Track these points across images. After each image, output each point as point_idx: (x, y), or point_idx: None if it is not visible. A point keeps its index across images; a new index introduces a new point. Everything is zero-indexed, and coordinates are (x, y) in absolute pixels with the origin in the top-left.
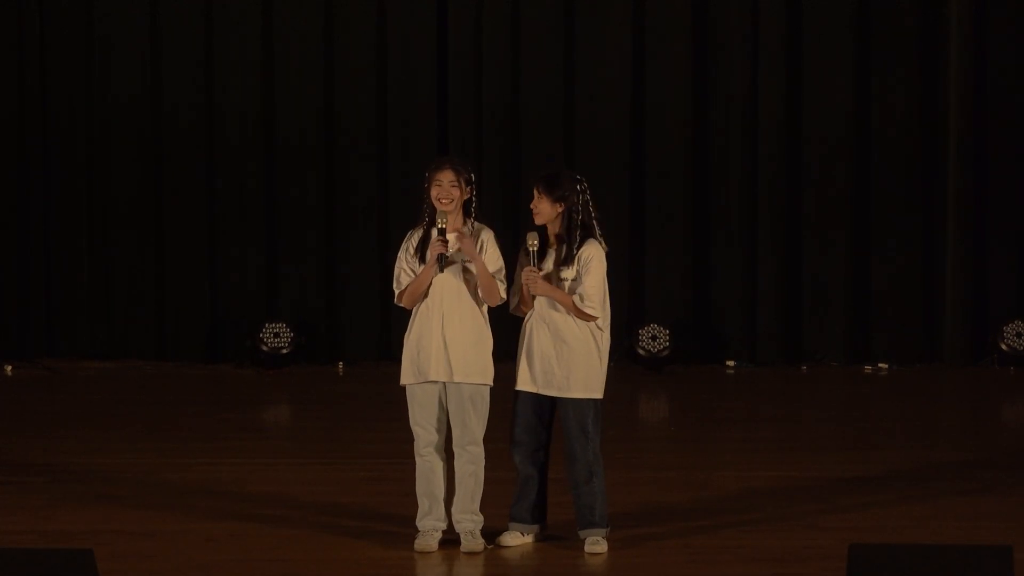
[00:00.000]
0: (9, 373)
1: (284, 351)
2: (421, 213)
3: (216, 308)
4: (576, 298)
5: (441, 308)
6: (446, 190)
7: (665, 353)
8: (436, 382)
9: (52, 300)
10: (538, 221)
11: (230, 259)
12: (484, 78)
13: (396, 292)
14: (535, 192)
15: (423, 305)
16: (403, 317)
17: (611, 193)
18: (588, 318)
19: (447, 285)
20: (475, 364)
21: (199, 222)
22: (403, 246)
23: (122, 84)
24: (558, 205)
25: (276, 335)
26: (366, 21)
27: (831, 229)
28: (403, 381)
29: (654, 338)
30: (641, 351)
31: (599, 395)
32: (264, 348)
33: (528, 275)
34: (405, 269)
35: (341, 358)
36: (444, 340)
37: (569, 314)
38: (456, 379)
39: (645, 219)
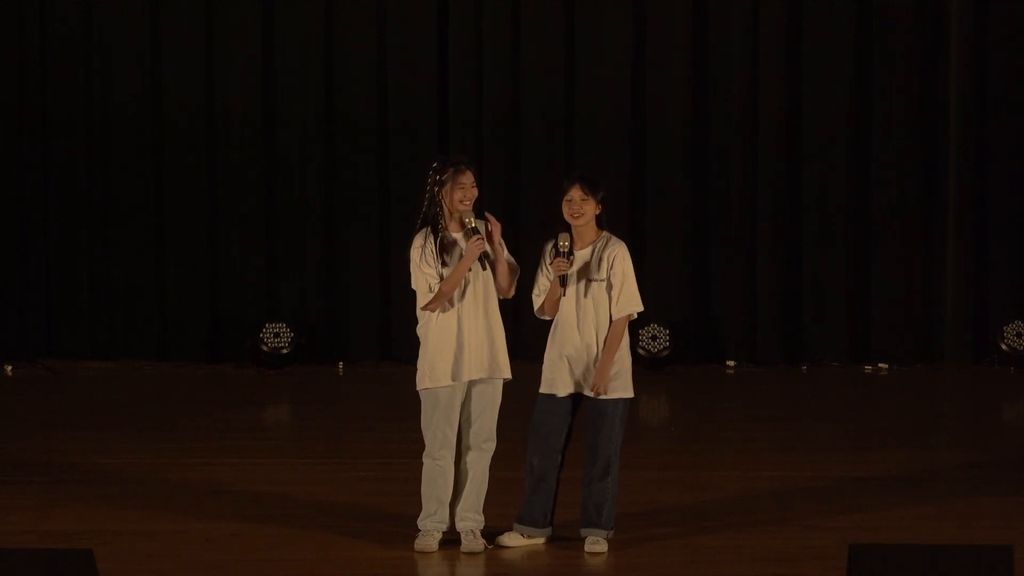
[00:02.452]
0: (9, 373)
1: (284, 351)
2: (424, 213)
3: (216, 308)
4: (616, 312)
5: (479, 306)
6: (469, 192)
7: (665, 353)
8: (462, 382)
9: (52, 300)
10: (581, 223)
11: (230, 259)
12: (484, 78)
13: (425, 298)
14: (578, 193)
15: (458, 305)
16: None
17: (611, 193)
18: (631, 315)
19: (479, 283)
20: (506, 359)
21: (199, 222)
22: (419, 253)
23: (122, 84)
24: (598, 206)
25: (276, 335)
26: (366, 21)
27: (831, 229)
28: (433, 384)
29: (654, 338)
30: (641, 351)
31: (632, 391)
32: (264, 348)
33: (557, 265)
34: (432, 275)
35: (341, 358)
36: (489, 337)
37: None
38: (496, 375)
39: (645, 219)
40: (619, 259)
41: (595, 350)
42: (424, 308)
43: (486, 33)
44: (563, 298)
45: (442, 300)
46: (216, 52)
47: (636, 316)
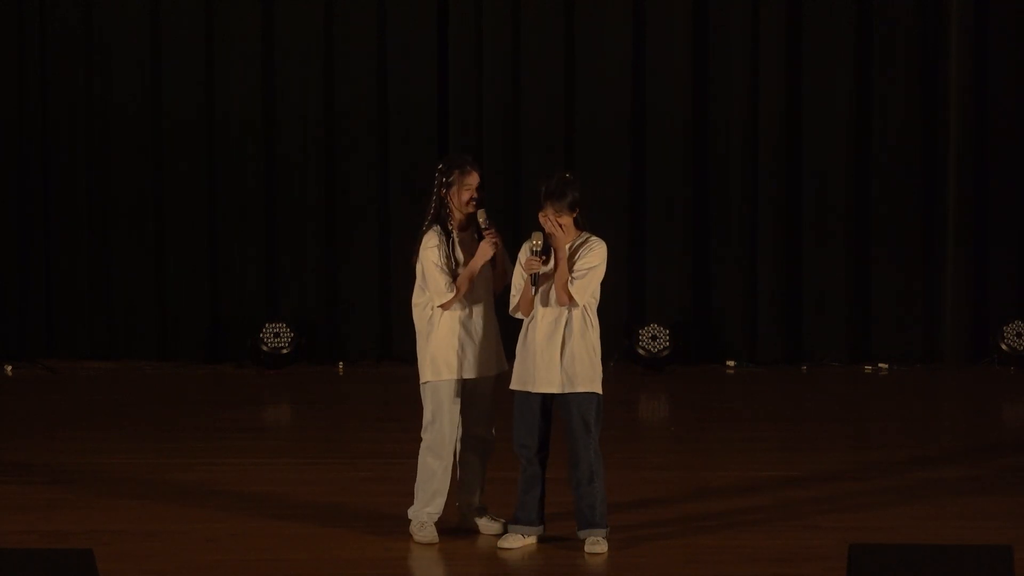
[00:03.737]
0: (9, 373)
1: (284, 351)
2: (432, 212)
3: (216, 308)
4: (570, 278)
5: (482, 303)
6: (476, 193)
7: (665, 353)
8: (463, 377)
9: (52, 300)
10: (559, 234)
11: (230, 259)
12: (484, 78)
13: (443, 297)
14: (551, 209)
15: (464, 302)
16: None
17: (611, 192)
18: (568, 299)
19: (482, 280)
20: (502, 351)
21: (199, 222)
22: (433, 250)
23: (123, 84)
24: (574, 212)
25: (276, 335)
26: (366, 21)
27: (831, 229)
28: (435, 377)
29: (654, 338)
30: (641, 351)
31: (600, 389)
32: (264, 348)
33: (529, 263)
34: (448, 276)
35: (341, 358)
36: (489, 334)
37: (560, 292)
38: (495, 371)
39: (645, 219)
40: (596, 249)
41: (568, 344)
42: (440, 307)
43: (486, 33)
44: (537, 296)
45: (458, 298)
46: (216, 52)
47: (588, 314)
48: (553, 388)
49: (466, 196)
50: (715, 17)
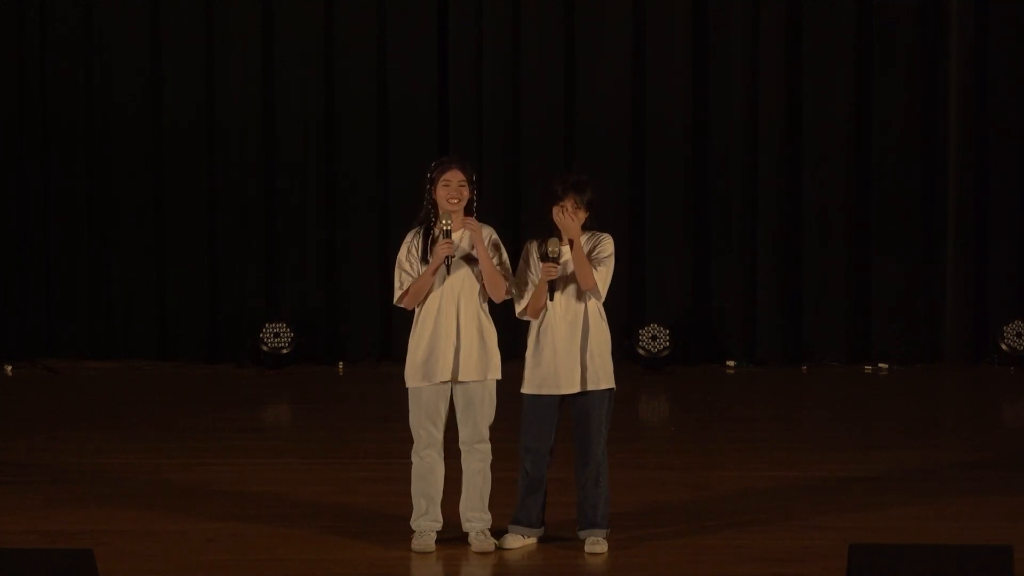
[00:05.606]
0: (9, 373)
1: (284, 351)
2: (421, 213)
3: (216, 308)
4: (593, 267)
5: (451, 307)
6: (455, 190)
7: (665, 353)
8: (446, 382)
9: (52, 300)
10: (575, 227)
11: (230, 259)
12: (484, 79)
13: (397, 293)
14: (571, 201)
15: (430, 305)
16: (404, 317)
17: (611, 193)
18: (591, 284)
19: (455, 283)
20: (489, 360)
21: (199, 222)
22: (404, 247)
23: (122, 84)
24: (588, 212)
25: (276, 335)
26: (366, 21)
27: (831, 229)
28: (411, 383)
29: (654, 338)
30: (641, 351)
31: (615, 384)
32: (264, 348)
33: (547, 270)
34: (407, 270)
35: (341, 358)
36: (458, 340)
37: (583, 283)
38: (471, 377)
39: (645, 219)
40: (607, 241)
41: (589, 341)
42: (396, 303)
43: (486, 33)
44: (553, 298)
45: (412, 299)
46: (216, 52)
47: (599, 307)
48: (575, 388)
49: (444, 193)
50: (715, 17)
